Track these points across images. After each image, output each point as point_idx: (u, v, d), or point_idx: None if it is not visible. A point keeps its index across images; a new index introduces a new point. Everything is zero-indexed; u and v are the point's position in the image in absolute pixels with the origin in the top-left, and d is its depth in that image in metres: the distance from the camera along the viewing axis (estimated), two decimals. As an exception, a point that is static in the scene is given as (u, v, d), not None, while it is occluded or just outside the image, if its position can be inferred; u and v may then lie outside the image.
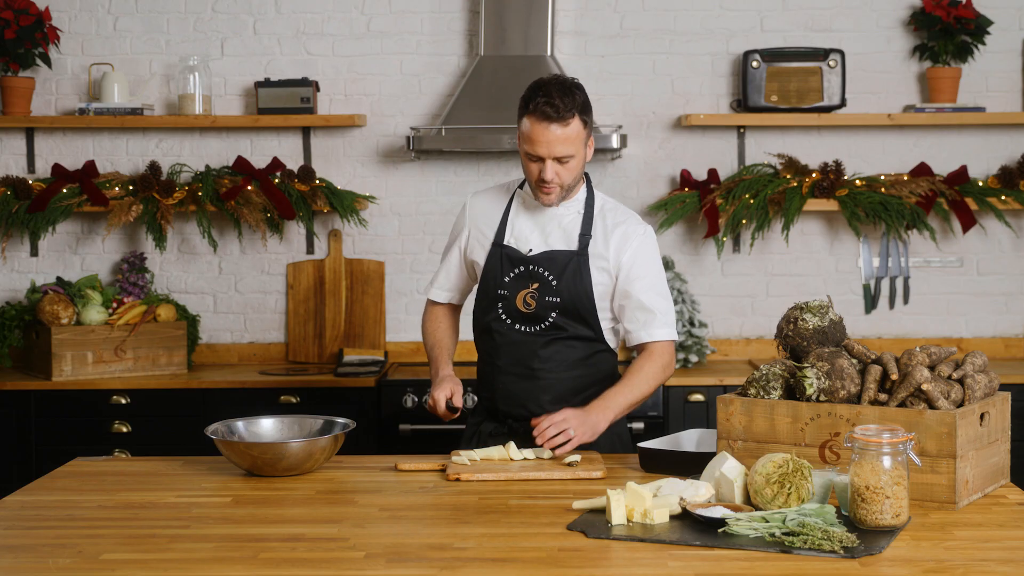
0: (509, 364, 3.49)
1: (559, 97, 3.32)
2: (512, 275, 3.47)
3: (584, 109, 3.38)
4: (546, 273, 3.44)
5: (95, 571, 2.35)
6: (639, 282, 3.47)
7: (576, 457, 3.16)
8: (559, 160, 3.36)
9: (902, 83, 5.49)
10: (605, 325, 3.50)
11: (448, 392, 3.46)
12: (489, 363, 3.55)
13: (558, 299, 3.44)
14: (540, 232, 3.49)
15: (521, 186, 3.57)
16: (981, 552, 2.42)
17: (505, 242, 3.50)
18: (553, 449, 3.22)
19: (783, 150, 5.47)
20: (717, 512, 2.56)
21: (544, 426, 3.24)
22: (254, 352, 5.55)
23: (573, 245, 3.47)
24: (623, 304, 3.49)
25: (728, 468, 2.72)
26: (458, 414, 3.48)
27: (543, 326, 3.46)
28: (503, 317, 3.49)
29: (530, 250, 3.47)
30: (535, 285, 3.45)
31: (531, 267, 3.45)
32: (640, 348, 3.51)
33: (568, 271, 3.43)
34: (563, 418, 3.26)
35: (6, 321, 5.22)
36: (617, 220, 3.52)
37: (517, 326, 3.48)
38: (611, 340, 3.55)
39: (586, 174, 3.55)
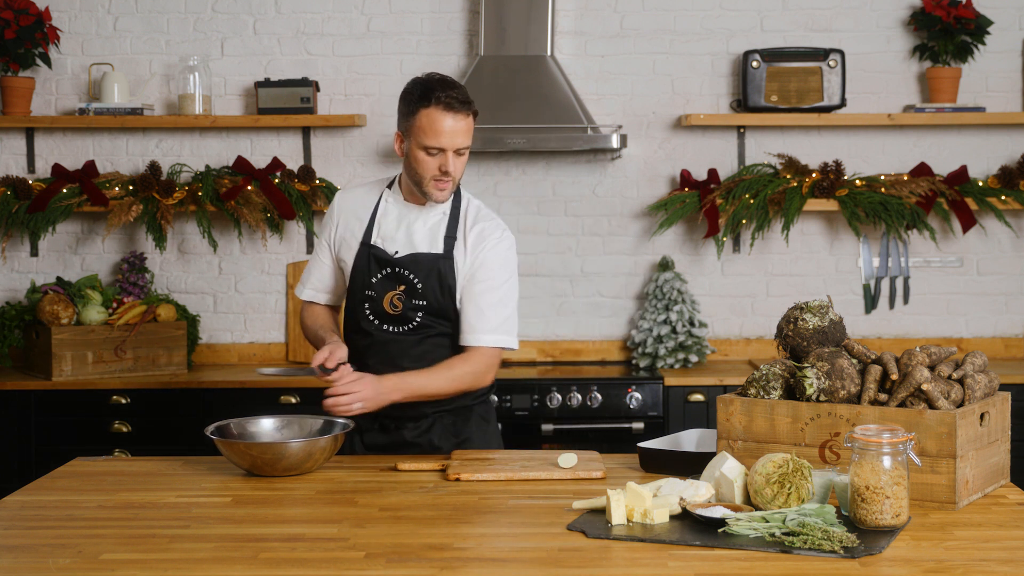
0: (379, 364, 3.44)
1: (454, 90, 3.32)
2: (380, 276, 3.44)
3: (472, 101, 3.38)
4: (411, 276, 3.42)
5: (95, 571, 2.35)
6: (480, 284, 3.44)
7: (573, 459, 3.15)
8: (458, 152, 3.34)
9: (902, 83, 5.49)
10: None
11: (326, 353, 3.32)
12: (360, 362, 3.48)
13: (424, 302, 3.42)
14: (405, 232, 3.45)
15: (390, 185, 3.52)
16: (981, 552, 2.42)
17: (372, 242, 3.46)
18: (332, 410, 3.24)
19: (783, 150, 5.47)
20: (717, 512, 2.56)
21: (339, 389, 3.22)
22: (254, 352, 5.55)
23: (438, 247, 3.44)
24: (462, 304, 3.46)
25: (728, 468, 2.72)
26: (331, 376, 3.31)
27: (410, 327, 3.45)
28: (371, 317, 3.46)
29: (396, 252, 3.44)
30: (401, 287, 3.43)
31: (397, 269, 3.43)
32: (463, 349, 3.48)
33: (432, 275, 3.42)
34: (359, 383, 3.25)
35: (6, 321, 5.22)
36: (477, 220, 3.48)
37: (385, 326, 3.46)
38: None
39: None
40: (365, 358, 3.47)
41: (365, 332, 3.48)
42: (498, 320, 3.43)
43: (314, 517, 2.75)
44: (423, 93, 3.31)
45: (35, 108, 5.49)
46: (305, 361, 5.46)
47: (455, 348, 3.50)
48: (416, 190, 3.42)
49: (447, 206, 3.48)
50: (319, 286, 3.62)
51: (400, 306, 3.43)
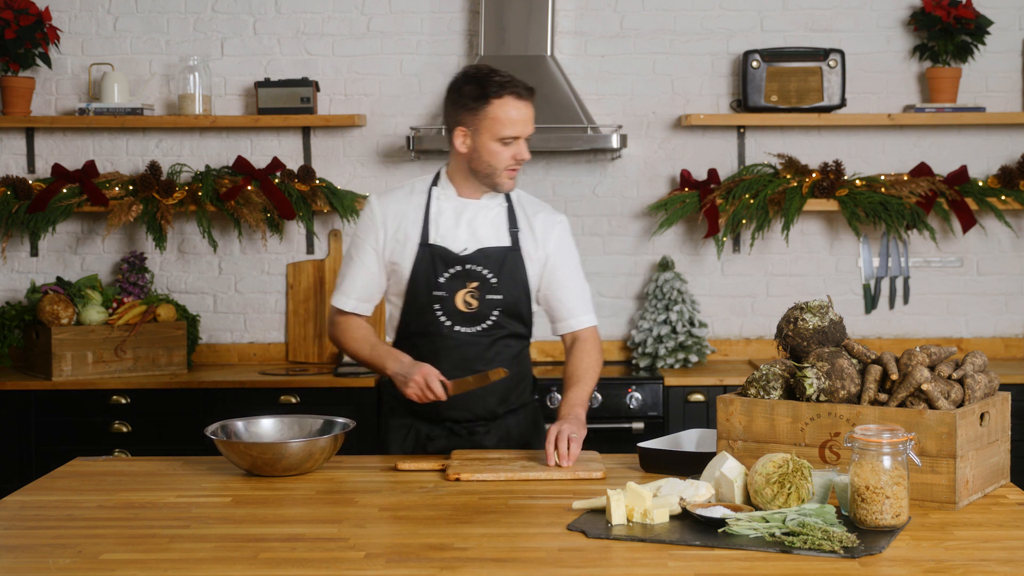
0: (453, 368, 3.40)
1: (514, 77, 3.35)
2: (448, 275, 3.40)
3: None
4: (484, 271, 3.40)
5: (95, 571, 2.35)
6: (564, 269, 3.51)
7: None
8: (526, 139, 3.37)
9: (902, 83, 5.49)
10: (534, 320, 3.54)
11: (437, 374, 3.32)
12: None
13: (499, 296, 3.41)
14: (467, 228, 3.43)
15: (435, 184, 3.49)
16: (981, 552, 2.42)
17: (432, 241, 3.42)
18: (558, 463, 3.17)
19: (783, 150, 5.47)
20: (717, 512, 2.56)
21: (564, 449, 3.15)
22: (254, 352, 5.55)
23: (504, 240, 3.44)
24: (549, 293, 3.50)
25: (728, 468, 2.72)
26: (447, 397, 3.35)
27: (485, 326, 3.42)
28: (443, 319, 3.41)
29: (464, 249, 3.41)
30: (474, 284, 3.40)
31: (468, 266, 3.40)
32: (572, 336, 3.53)
33: (506, 267, 3.42)
34: (569, 431, 3.21)
35: (6, 321, 5.22)
36: (535, 210, 3.53)
37: (458, 328, 3.41)
38: (533, 335, 3.59)
39: None
40: (436, 362, 3.41)
41: (438, 335, 3.42)
42: (588, 299, 3.56)
43: (314, 517, 2.75)
44: (488, 84, 3.32)
45: (35, 108, 5.49)
46: (305, 362, 5.46)
47: (521, 350, 3.51)
48: (483, 182, 3.41)
49: (502, 197, 3.48)
50: (364, 295, 3.51)
51: (475, 303, 3.41)
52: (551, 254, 3.49)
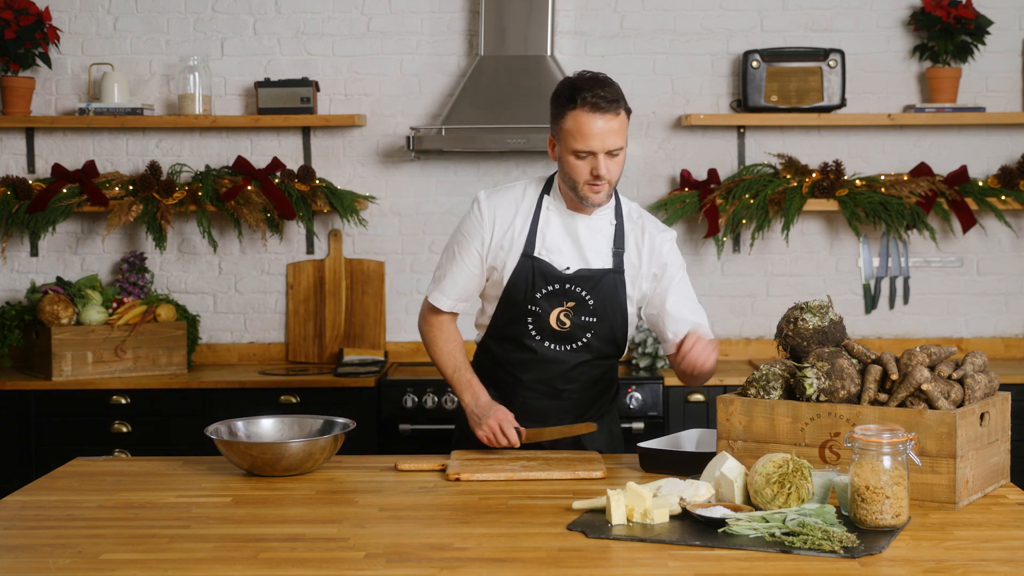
0: (534, 381, 3.39)
1: (602, 88, 3.18)
2: (545, 291, 3.31)
3: (623, 98, 3.24)
4: (583, 292, 3.31)
5: (95, 571, 2.35)
6: (678, 287, 3.40)
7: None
8: (610, 154, 3.20)
9: (902, 83, 5.49)
10: (627, 343, 3.45)
11: (512, 420, 3.32)
12: (511, 374, 3.41)
13: (594, 319, 3.33)
14: (574, 244, 3.33)
15: (547, 191, 3.38)
16: (981, 552, 2.42)
17: (536, 254, 3.32)
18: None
19: (783, 150, 5.47)
20: (717, 512, 2.56)
21: (707, 349, 3.23)
22: (254, 352, 5.55)
23: (607, 262, 3.34)
24: (663, 312, 3.38)
25: (728, 468, 2.72)
26: (520, 444, 3.34)
27: (575, 346, 3.35)
28: (534, 334, 3.35)
29: (567, 268, 3.32)
30: (570, 304, 3.32)
31: (568, 285, 3.31)
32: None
33: (606, 290, 3.32)
34: (711, 345, 3.26)
35: (6, 321, 5.22)
36: (645, 228, 3.40)
37: (547, 344, 3.36)
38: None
39: None
40: (518, 373, 3.39)
41: (527, 348, 3.37)
42: (702, 312, 3.46)
43: (314, 517, 2.75)
44: (570, 95, 3.19)
45: (35, 108, 5.49)
46: (305, 362, 5.46)
47: (608, 369, 3.45)
48: (572, 195, 3.30)
49: (611, 215, 3.37)
50: (463, 295, 3.42)
51: (568, 323, 3.33)
52: (665, 274, 3.38)
